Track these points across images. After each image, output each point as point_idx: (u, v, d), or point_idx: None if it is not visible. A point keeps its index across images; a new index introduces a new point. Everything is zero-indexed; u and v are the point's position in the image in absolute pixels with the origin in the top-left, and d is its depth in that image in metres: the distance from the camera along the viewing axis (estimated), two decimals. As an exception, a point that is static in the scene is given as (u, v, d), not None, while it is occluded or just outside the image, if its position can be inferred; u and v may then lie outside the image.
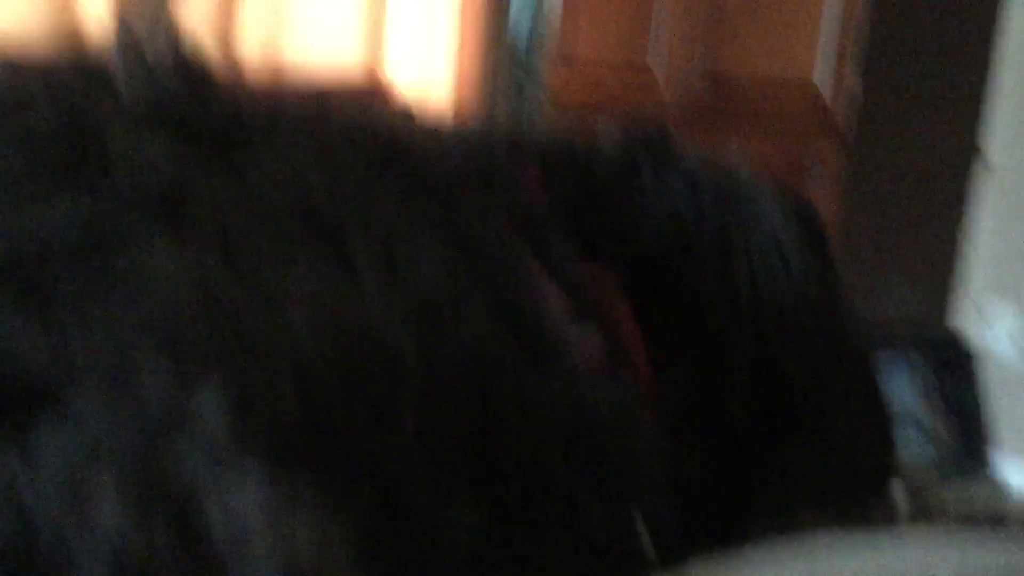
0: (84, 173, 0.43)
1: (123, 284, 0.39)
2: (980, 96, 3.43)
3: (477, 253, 0.51)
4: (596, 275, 0.62)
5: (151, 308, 0.38)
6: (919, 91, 3.24)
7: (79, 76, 0.50)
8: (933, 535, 0.42)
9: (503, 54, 4.76)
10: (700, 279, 0.63)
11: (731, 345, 0.63)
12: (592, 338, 0.56)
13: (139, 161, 0.44)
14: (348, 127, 0.54)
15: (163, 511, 0.32)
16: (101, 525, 0.31)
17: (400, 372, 0.44)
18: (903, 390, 3.36)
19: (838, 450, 0.65)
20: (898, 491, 0.59)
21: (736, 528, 0.53)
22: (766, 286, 0.63)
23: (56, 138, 0.44)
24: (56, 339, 0.36)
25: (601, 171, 0.65)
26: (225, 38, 4.05)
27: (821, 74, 3.15)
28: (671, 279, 0.63)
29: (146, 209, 0.42)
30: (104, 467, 0.33)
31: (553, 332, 0.53)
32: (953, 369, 3.45)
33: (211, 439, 0.34)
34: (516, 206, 0.58)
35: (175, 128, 0.48)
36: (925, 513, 0.45)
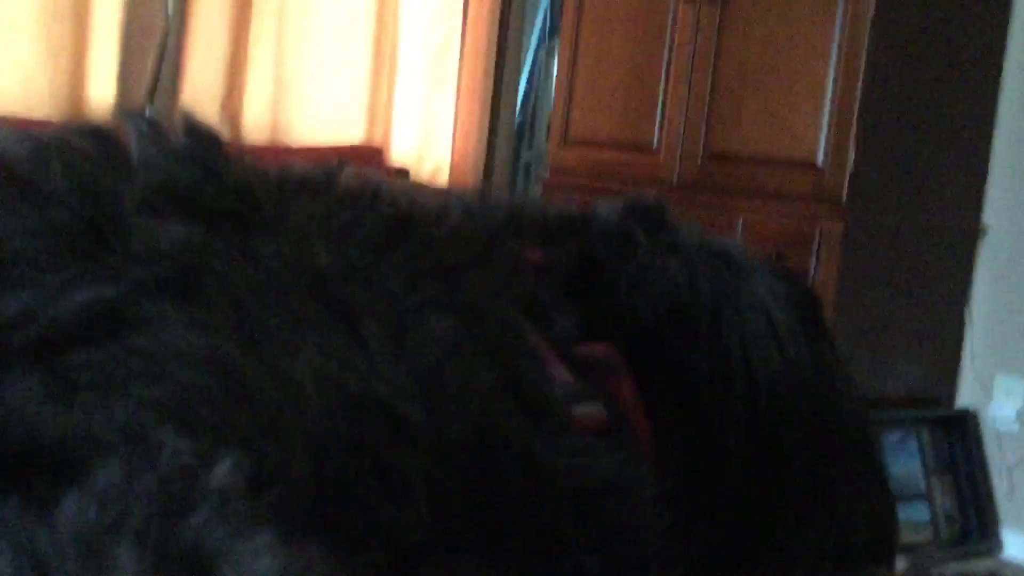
0: (104, 258, 0.44)
1: (142, 363, 0.40)
2: (980, 167, 3.46)
3: (481, 319, 0.52)
4: (599, 350, 0.62)
5: (169, 386, 0.39)
6: (918, 164, 3.27)
7: (94, 145, 0.51)
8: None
9: (504, 129, 4.82)
10: (694, 355, 0.64)
11: (724, 422, 0.63)
12: (595, 411, 0.57)
13: (156, 245, 0.46)
14: (355, 204, 0.55)
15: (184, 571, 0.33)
16: None
17: (409, 441, 0.44)
18: (909, 466, 3.35)
19: (836, 524, 0.65)
20: (901, 566, 0.59)
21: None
22: (758, 364, 0.64)
23: (77, 224, 0.45)
24: (79, 416, 0.37)
25: (599, 248, 0.66)
26: (231, 115, 4.10)
27: (821, 149, 3.18)
28: (667, 354, 0.63)
29: (163, 291, 0.43)
30: (124, 536, 0.33)
31: (557, 405, 0.53)
32: (959, 445, 3.44)
33: (228, 510, 0.35)
34: (519, 282, 0.59)
35: (190, 209, 0.49)
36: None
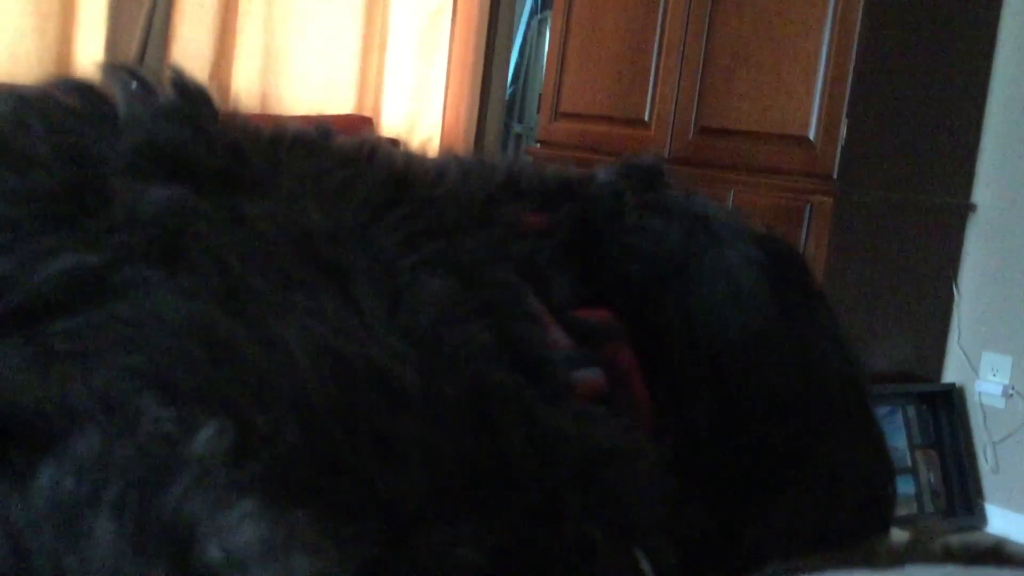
0: (86, 224, 0.43)
1: (123, 330, 0.39)
2: (971, 144, 3.46)
3: (478, 282, 0.51)
4: (597, 314, 0.62)
5: (151, 353, 0.38)
6: (909, 140, 3.27)
7: (81, 116, 0.50)
8: (940, 573, 0.42)
9: (494, 101, 4.80)
10: (668, 319, 0.63)
11: (693, 391, 0.63)
12: (595, 376, 0.56)
13: (140, 210, 0.44)
14: (350, 163, 0.54)
15: (161, 551, 0.32)
16: (98, 560, 0.31)
17: (403, 405, 0.44)
18: (895, 441, 3.37)
19: (819, 494, 0.64)
20: (898, 535, 0.59)
21: (736, 570, 0.52)
22: (719, 332, 0.63)
23: (59, 189, 0.44)
24: (57, 383, 0.36)
25: (595, 211, 0.65)
26: (220, 84, 4.08)
27: (813, 124, 3.18)
28: (649, 313, 0.63)
29: (146, 256, 0.42)
30: (101, 507, 0.33)
31: (557, 369, 0.52)
32: (945, 420, 3.46)
33: (210, 480, 0.34)
34: (517, 246, 0.58)
35: (176, 169, 0.48)
36: (929, 553, 0.45)
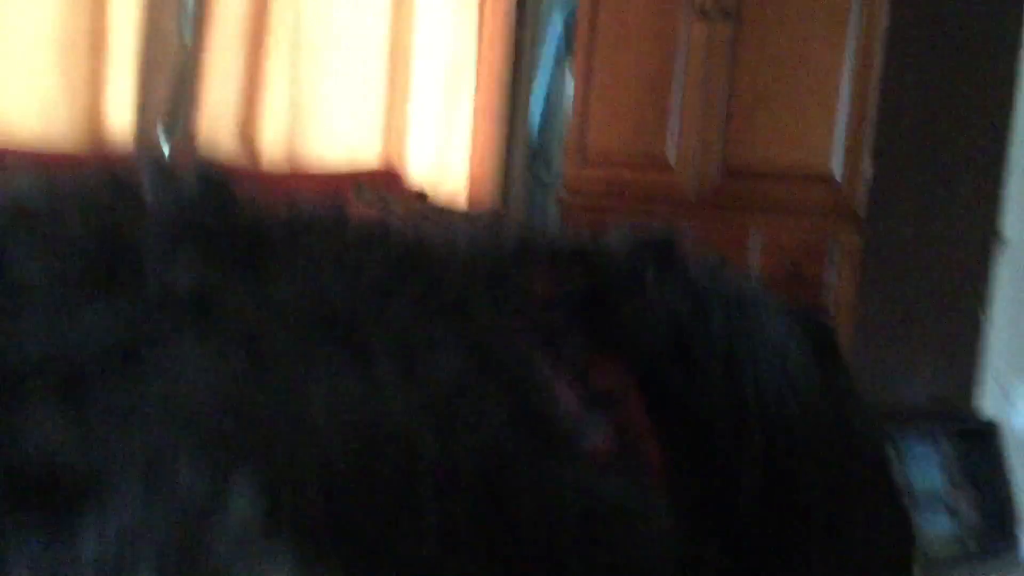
0: (117, 283, 0.45)
1: (156, 383, 0.41)
2: (996, 176, 3.45)
3: (491, 352, 0.53)
4: (608, 369, 0.63)
5: (183, 405, 0.40)
6: (934, 174, 3.26)
7: (109, 190, 0.52)
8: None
9: (519, 149, 4.83)
10: (706, 398, 0.64)
11: (739, 465, 0.64)
12: (605, 439, 0.57)
13: (168, 272, 0.47)
14: (365, 233, 0.56)
15: None
16: None
17: (419, 465, 0.45)
18: (930, 471, 3.33)
19: (854, 558, 0.65)
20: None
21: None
22: (774, 409, 0.64)
23: (90, 252, 0.46)
24: (94, 436, 0.38)
25: (608, 280, 0.66)
26: (248, 139, 4.13)
27: (836, 163, 3.18)
28: (673, 391, 0.64)
29: (176, 314, 0.44)
30: (142, 554, 0.34)
31: (567, 434, 0.53)
32: (978, 449, 3.42)
33: (243, 528, 0.35)
34: (528, 313, 0.59)
35: (200, 238, 0.50)
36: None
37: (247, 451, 0.39)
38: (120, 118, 3.79)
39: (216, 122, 4.02)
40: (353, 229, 0.56)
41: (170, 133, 3.88)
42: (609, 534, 0.50)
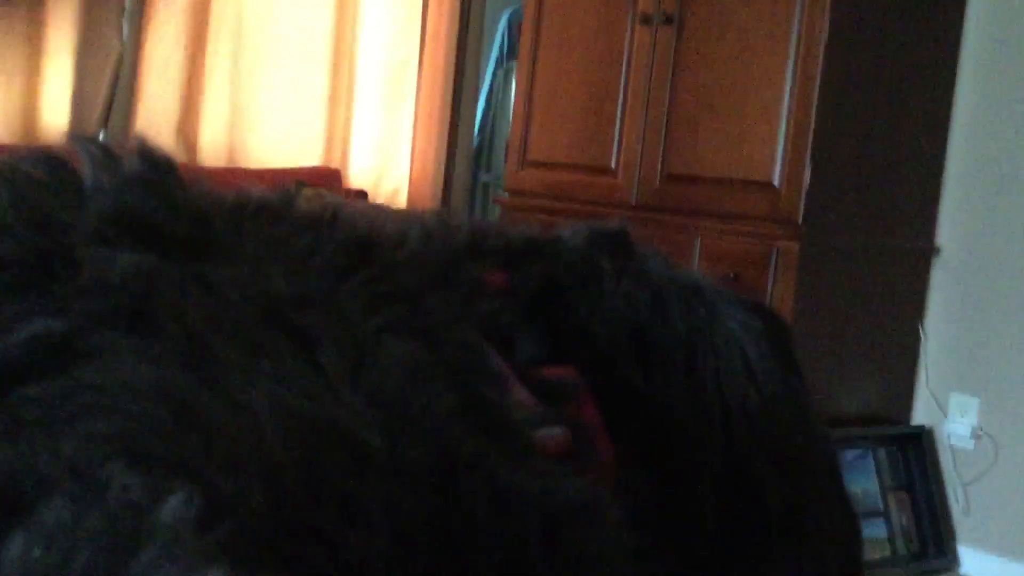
0: (53, 290, 0.43)
1: (91, 397, 0.39)
2: (935, 187, 3.51)
3: (443, 353, 0.52)
4: (561, 372, 0.62)
5: (119, 419, 0.38)
6: (873, 184, 3.30)
7: (48, 186, 0.50)
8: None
9: (461, 150, 4.82)
10: (665, 388, 0.63)
11: (698, 455, 0.63)
12: (558, 434, 0.56)
13: (107, 276, 0.45)
14: (313, 228, 0.54)
15: None
16: None
17: (369, 468, 0.43)
18: (867, 484, 3.37)
19: (810, 551, 0.65)
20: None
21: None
22: (734, 400, 0.64)
23: (26, 256, 0.44)
24: (26, 451, 0.36)
25: (562, 273, 0.65)
26: (187, 138, 4.08)
27: (778, 173, 3.21)
28: (630, 382, 0.63)
29: (114, 323, 0.42)
30: (71, 557, 0.32)
31: (520, 428, 0.52)
32: (915, 462, 3.47)
33: (177, 547, 0.34)
34: (480, 306, 0.58)
35: (142, 237, 0.48)
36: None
37: (184, 450, 0.38)
38: (56, 113, 3.73)
39: (155, 119, 3.96)
40: (301, 216, 0.55)
41: (107, 130, 3.82)
42: (566, 533, 0.49)
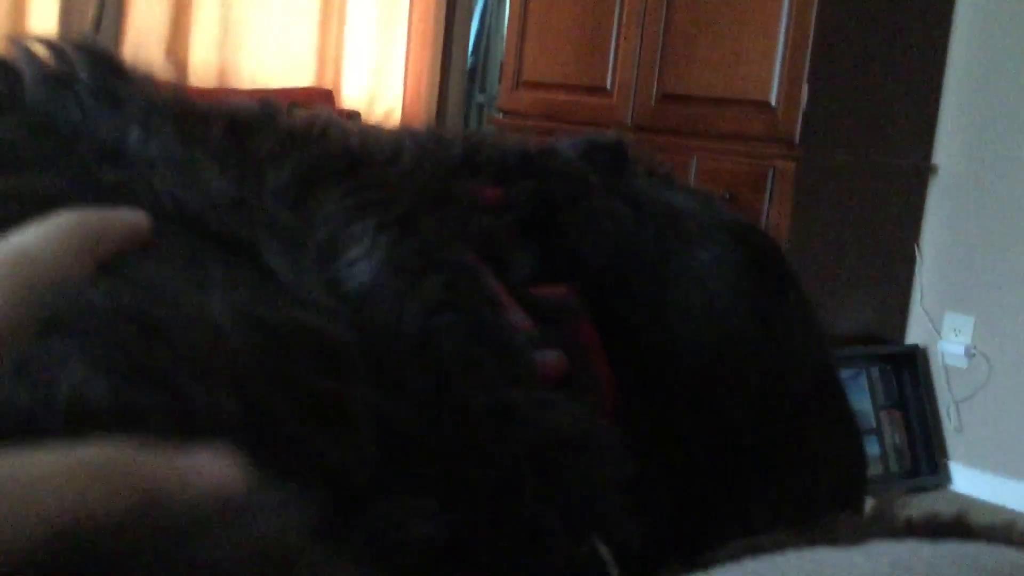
0: None
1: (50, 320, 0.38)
2: (932, 106, 3.48)
3: (435, 256, 0.50)
4: (558, 292, 0.61)
5: (87, 340, 0.37)
6: (870, 103, 3.28)
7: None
8: (902, 549, 0.42)
9: (455, 70, 4.77)
10: (635, 316, 0.62)
11: (675, 385, 0.62)
12: (556, 357, 0.55)
13: (33, 169, 0.43)
14: (295, 141, 0.52)
15: None
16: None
17: (344, 367, 0.42)
18: (860, 402, 3.40)
19: (799, 481, 0.64)
20: (866, 506, 0.59)
21: (704, 551, 0.52)
22: (694, 335, 0.62)
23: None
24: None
25: (556, 187, 0.63)
26: (176, 58, 4.02)
27: (775, 92, 3.18)
28: (619, 308, 0.62)
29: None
30: None
31: (520, 350, 0.51)
32: (908, 381, 3.49)
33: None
34: (475, 223, 0.57)
35: (67, 149, 0.46)
36: (892, 528, 0.45)
37: (154, 364, 0.37)
38: (43, 31, 3.67)
39: (143, 38, 3.91)
40: (284, 128, 0.52)
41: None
42: (562, 460, 0.48)
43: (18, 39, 0.50)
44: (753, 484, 0.63)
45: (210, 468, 0.32)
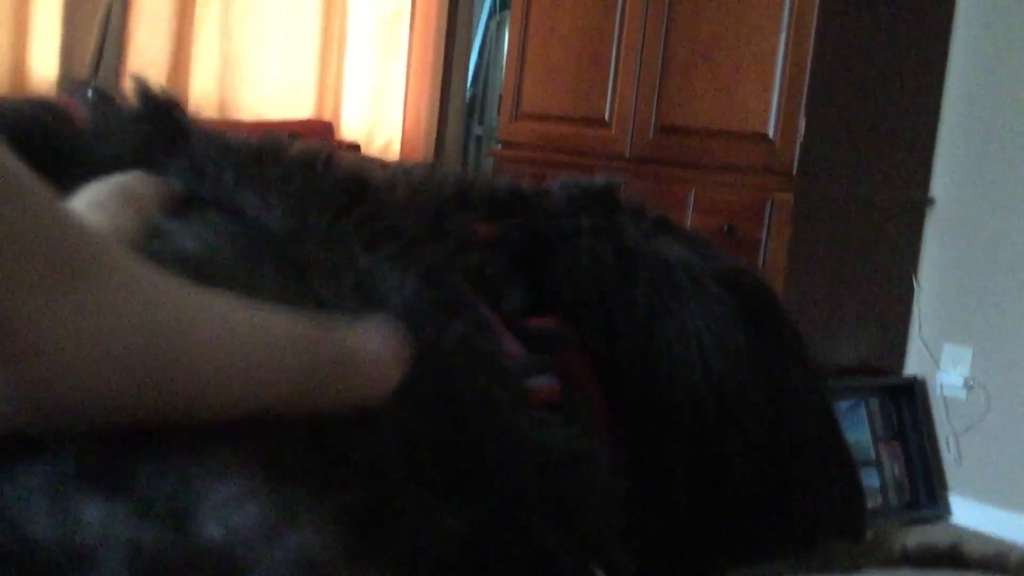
0: None
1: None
2: (929, 138, 3.50)
3: (439, 283, 0.51)
4: (549, 322, 0.62)
5: None
6: (867, 135, 3.29)
7: (48, 129, 0.49)
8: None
9: (454, 102, 4.79)
10: (628, 360, 0.63)
11: (664, 425, 0.63)
12: (549, 383, 0.56)
13: None
14: (309, 169, 0.53)
15: (160, 523, 0.31)
16: (93, 524, 0.30)
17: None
18: (859, 434, 3.39)
19: (799, 519, 0.65)
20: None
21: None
22: (685, 383, 0.63)
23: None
24: None
25: (546, 228, 0.65)
26: (176, 83, 4.04)
27: (772, 124, 3.19)
28: (595, 347, 0.63)
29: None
30: (86, 483, 0.32)
31: (514, 375, 0.52)
32: (907, 412, 3.49)
33: (209, 454, 0.34)
34: (468, 256, 0.58)
35: (141, 161, 0.48)
36: (887, 557, 0.45)
37: None
38: (45, 65, 3.69)
39: (144, 70, 3.93)
40: (295, 157, 0.54)
41: (96, 81, 3.79)
42: (560, 480, 0.49)
43: (71, 84, 0.52)
44: (752, 524, 0.64)
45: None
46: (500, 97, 4.31)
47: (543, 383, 0.55)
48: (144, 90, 0.52)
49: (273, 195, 0.49)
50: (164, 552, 0.29)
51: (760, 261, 3.11)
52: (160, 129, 0.51)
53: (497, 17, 5.10)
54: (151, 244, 0.43)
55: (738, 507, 0.64)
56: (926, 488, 3.45)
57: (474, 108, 5.20)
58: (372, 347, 0.39)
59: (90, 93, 0.51)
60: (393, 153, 4.54)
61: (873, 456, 3.40)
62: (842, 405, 3.32)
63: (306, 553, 0.30)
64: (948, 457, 3.50)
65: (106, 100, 0.52)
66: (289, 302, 0.43)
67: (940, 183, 3.51)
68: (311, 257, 0.47)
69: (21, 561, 0.29)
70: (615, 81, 3.60)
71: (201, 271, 0.42)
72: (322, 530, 0.32)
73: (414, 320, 0.46)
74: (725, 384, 0.63)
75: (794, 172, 3.14)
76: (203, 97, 4.10)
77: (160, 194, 0.46)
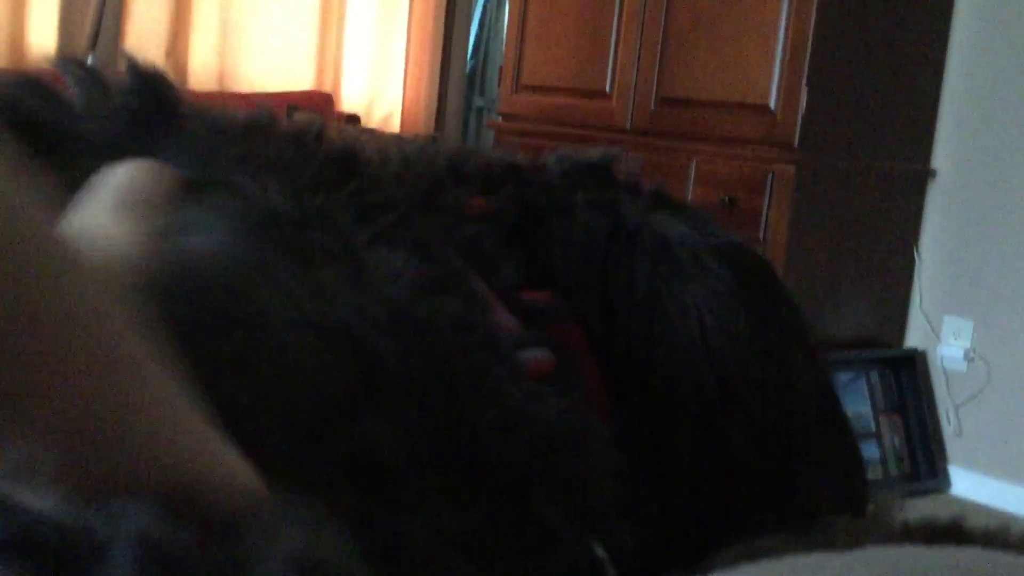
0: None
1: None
2: (931, 110, 3.48)
3: (433, 259, 0.51)
4: (542, 296, 0.62)
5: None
6: (869, 106, 3.28)
7: (37, 110, 0.49)
8: (899, 553, 0.42)
9: (454, 74, 4.78)
10: (624, 330, 0.63)
11: (666, 402, 0.63)
12: (543, 356, 0.56)
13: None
14: (300, 144, 0.53)
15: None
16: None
17: (379, 375, 0.43)
18: (859, 406, 3.40)
19: (798, 502, 0.65)
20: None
21: (699, 553, 0.52)
22: (698, 352, 0.63)
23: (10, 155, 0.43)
24: None
25: (541, 201, 0.65)
26: (176, 62, 4.03)
27: (774, 96, 3.18)
28: (591, 322, 0.63)
29: None
30: None
31: (508, 349, 0.52)
32: (908, 385, 3.49)
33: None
34: (461, 230, 0.58)
35: (135, 142, 0.48)
36: (889, 532, 0.45)
37: (209, 375, 0.38)
38: (43, 37, 3.68)
39: (143, 42, 3.91)
40: (287, 133, 0.54)
41: (95, 54, 3.77)
42: (557, 455, 0.49)
43: (63, 62, 0.51)
44: (756, 500, 0.64)
45: None
46: (500, 69, 4.29)
47: (537, 355, 0.55)
48: (133, 67, 0.52)
49: (266, 175, 0.49)
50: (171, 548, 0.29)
51: (761, 233, 3.11)
52: (149, 107, 0.51)
53: (497, -12, 5.07)
54: (163, 246, 0.43)
55: (739, 482, 0.64)
56: (926, 460, 3.46)
57: (474, 79, 5.18)
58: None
59: (78, 71, 0.51)
60: (393, 125, 4.53)
61: (873, 428, 3.41)
62: (843, 377, 3.33)
63: (306, 553, 0.30)
64: (948, 429, 3.51)
65: (95, 77, 0.51)
66: (299, 292, 0.43)
67: (942, 155, 3.50)
68: (314, 243, 0.47)
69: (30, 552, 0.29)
70: (616, 53, 3.59)
71: (216, 269, 0.41)
72: (322, 530, 0.31)
73: (413, 300, 0.46)
74: (726, 361, 0.63)
75: (796, 144, 3.13)
76: (203, 69, 4.08)
77: (165, 185, 0.46)
